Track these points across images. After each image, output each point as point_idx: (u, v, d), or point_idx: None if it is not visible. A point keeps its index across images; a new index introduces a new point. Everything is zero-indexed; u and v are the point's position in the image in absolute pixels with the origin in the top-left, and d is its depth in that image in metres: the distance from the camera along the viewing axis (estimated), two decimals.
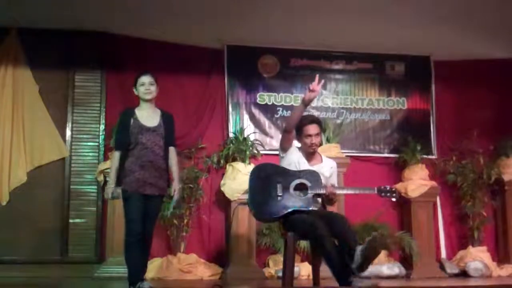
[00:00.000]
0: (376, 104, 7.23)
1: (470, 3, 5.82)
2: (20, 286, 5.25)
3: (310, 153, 4.28)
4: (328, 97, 7.16)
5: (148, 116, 4.24)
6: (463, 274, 6.54)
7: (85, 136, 6.41)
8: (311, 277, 4.56)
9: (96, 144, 6.40)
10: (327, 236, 3.76)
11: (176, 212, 6.03)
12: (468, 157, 6.98)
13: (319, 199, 4.19)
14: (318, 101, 7.00)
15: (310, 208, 4.00)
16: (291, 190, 4.06)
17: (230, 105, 6.89)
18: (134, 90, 4.30)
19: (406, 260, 6.48)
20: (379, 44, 6.92)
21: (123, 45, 6.54)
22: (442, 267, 6.62)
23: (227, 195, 6.18)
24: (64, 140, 6.35)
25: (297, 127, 4.22)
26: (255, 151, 6.52)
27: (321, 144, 4.77)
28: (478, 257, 6.60)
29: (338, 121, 7.07)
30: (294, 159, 4.23)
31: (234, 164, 6.30)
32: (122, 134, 4.22)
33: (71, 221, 6.18)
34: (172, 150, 4.28)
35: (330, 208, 4.31)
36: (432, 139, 7.25)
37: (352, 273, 3.64)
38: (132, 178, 4.10)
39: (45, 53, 6.37)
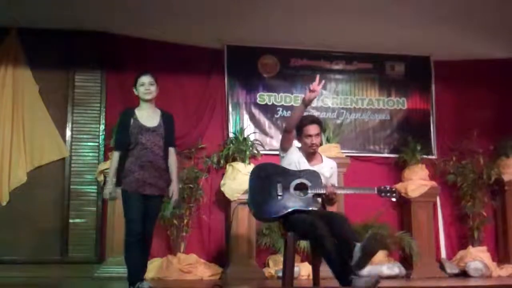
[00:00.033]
0: (376, 104, 7.23)
1: (470, 3, 5.83)
2: (20, 286, 5.25)
3: (310, 153, 4.28)
4: (328, 97, 7.16)
5: (148, 116, 4.23)
6: (463, 274, 6.54)
7: (85, 136, 6.41)
8: (311, 277, 4.56)
9: (96, 144, 6.40)
10: (327, 236, 3.75)
11: (176, 212, 6.04)
12: (468, 157, 6.98)
13: (319, 199, 4.19)
14: (318, 101, 7.00)
15: (310, 208, 4.00)
16: (291, 190, 4.06)
17: (230, 105, 6.89)
18: (134, 90, 4.29)
19: (406, 260, 6.48)
20: (379, 44, 6.92)
21: (123, 45, 6.54)
22: (442, 267, 6.62)
23: (227, 195, 6.18)
24: (64, 140, 6.35)
25: (297, 127, 4.22)
26: (255, 151, 6.52)
27: (321, 144, 4.77)
28: (478, 257, 6.60)
29: (338, 121, 7.07)
30: (295, 159, 4.23)
31: (234, 164, 6.30)
32: (122, 134, 4.21)
33: (71, 221, 6.18)
34: (171, 152, 4.28)
35: (330, 208, 4.31)
36: (432, 139, 7.25)
37: (352, 271, 3.64)
38: (132, 178, 4.09)
39: (45, 53, 6.37)
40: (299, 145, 4.33)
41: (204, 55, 6.87)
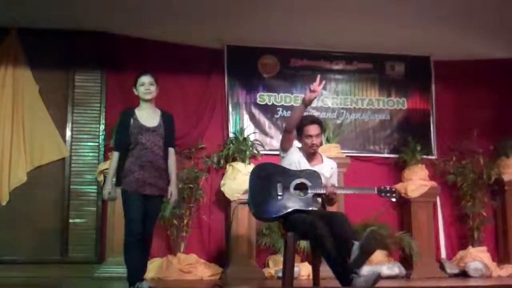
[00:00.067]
0: (376, 104, 7.23)
1: (470, 3, 5.83)
2: (20, 286, 5.25)
3: (310, 153, 4.28)
4: (328, 97, 7.16)
5: (148, 116, 4.23)
6: (463, 274, 6.54)
7: (85, 136, 6.41)
8: (311, 277, 4.56)
9: (96, 144, 6.40)
10: (327, 236, 3.75)
11: (176, 212, 6.04)
12: (468, 157, 6.98)
13: (319, 199, 4.19)
14: (318, 102, 7.00)
15: (310, 208, 4.00)
16: (291, 189, 4.06)
17: (230, 105, 6.89)
18: (134, 90, 4.29)
19: (406, 260, 6.49)
20: (379, 44, 6.92)
21: (123, 45, 6.54)
22: (442, 267, 6.62)
23: (227, 195, 6.18)
24: (64, 140, 6.35)
25: (297, 128, 4.22)
26: (255, 151, 6.52)
27: (321, 144, 4.77)
28: (478, 257, 6.60)
29: (338, 121, 7.07)
30: (295, 159, 4.23)
31: (234, 164, 6.30)
32: (122, 134, 4.21)
33: (71, 221, 6.19)
34: (171, 152, 4.27)
35: (330, 209, 4.31)
36: (432, 139, 7.25)
37: (352, 270, 3.64)
38: (132, 178, 4.09)
39: (45, 53, 6.38)
40: (300, 145, 4.33)
41: (204, 55, 6.87)
